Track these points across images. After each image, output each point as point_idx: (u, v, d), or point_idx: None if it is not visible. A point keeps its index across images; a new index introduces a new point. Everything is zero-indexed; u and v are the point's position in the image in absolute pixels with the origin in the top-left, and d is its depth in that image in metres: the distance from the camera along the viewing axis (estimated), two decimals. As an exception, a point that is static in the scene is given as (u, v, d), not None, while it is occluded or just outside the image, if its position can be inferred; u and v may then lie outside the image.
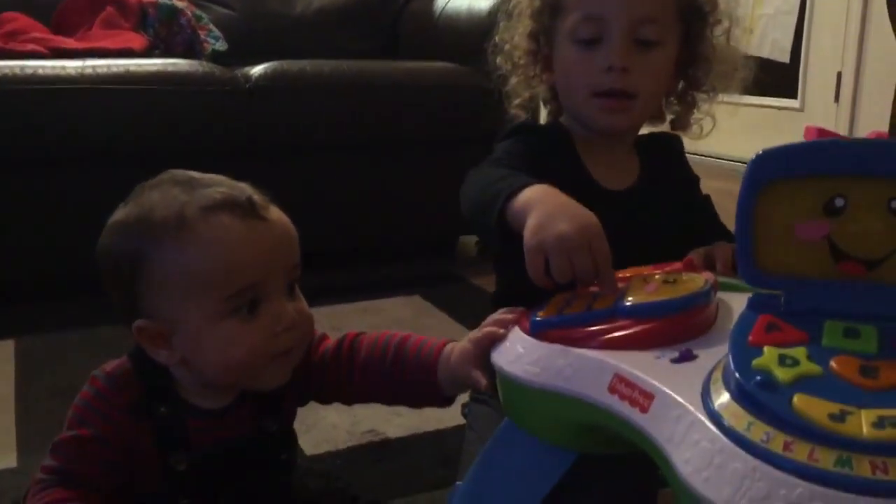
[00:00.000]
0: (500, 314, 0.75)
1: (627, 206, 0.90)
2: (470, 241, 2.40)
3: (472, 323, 1.74)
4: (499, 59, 1.01)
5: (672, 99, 0.97)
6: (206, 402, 0.76)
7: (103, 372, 0.74)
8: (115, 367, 0.75)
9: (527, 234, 0.70)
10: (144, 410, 0.73)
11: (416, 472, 1.17)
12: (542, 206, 0.71)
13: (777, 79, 3.35)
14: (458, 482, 0.77)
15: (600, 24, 0.88)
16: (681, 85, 0.96)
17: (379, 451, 1.22)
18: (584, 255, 0.68)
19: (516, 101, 1.02)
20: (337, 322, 1.74)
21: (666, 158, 0.98)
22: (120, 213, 0.73)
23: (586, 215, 0.70)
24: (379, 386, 0.81)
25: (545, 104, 1.02)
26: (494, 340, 0.71)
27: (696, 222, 0.95)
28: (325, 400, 0.85)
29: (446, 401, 0.81)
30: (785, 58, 3.37)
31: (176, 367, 0.74)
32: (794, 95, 3.37)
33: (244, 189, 0.73)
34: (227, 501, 0.77)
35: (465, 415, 1.01)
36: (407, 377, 0.79)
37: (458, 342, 0.78)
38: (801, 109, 3.36)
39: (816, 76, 3.30)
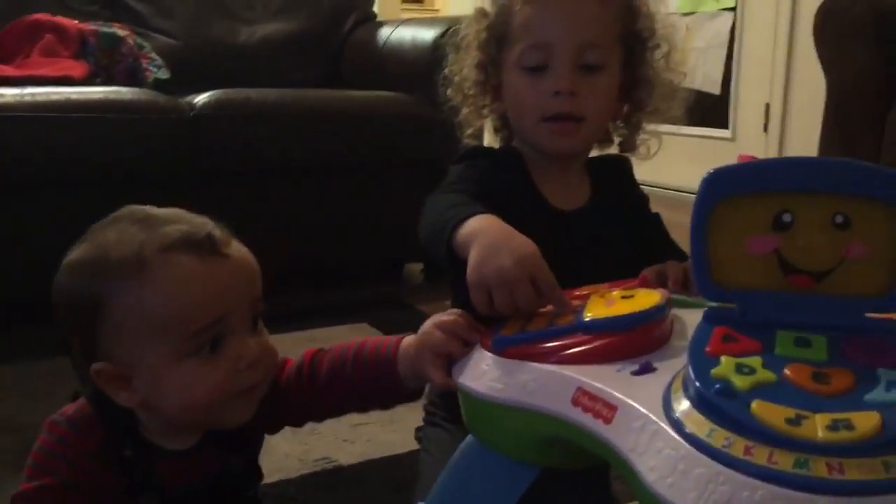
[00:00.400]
0: (440, 318, 0.75)
1: (580, 225, 0.93)
2: (416, 266, 2.41)
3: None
4: (449, 91, 1.03)
5: (618, 122, 1.00)
6: (171, 444, 0.74)
7: (63, 417, 0.72)
8: (76, 412, 0.72)
9: (469, 269, 0.71)
10: (112, 454, 0.71)
11: (371, 499, 1.16)
12: (483, 239, 0.72)
13: (709, 110, 3.46)
14: (419, 502, 0.77)
15: (546, 51, 0.91)
16: (625, 108, 0.99)
17: (332, 478, 1.21)
18: (524, 287, 0.69)
19: (468, 131, 1.04)
20: (284, 350, 1.71)
21: (616, 179, 1.01)
22: (76, 253, 0.70)
23: (525, 246, 0.71)
24: (347, 396, 0.81)
25: (496, 132, 1.04)
26: (441, 352, 0.72)
27: (648, 239, 0.97)
28: (298, 422, 0.85)
29: (414, 394, 0.81)
30: (716, 89, 3.49)
31: (139, 409, 0.72)
32: (725, 125, 3.48)
33: (204, 225, 0.72)
34: None
35: (418, 438, 1.02)
36: (371, 380, 0.79)
37: (414, 336, 0.78)
38: (732, 139, 3.48)
39: (746, 107, 3.42)
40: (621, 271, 0.81)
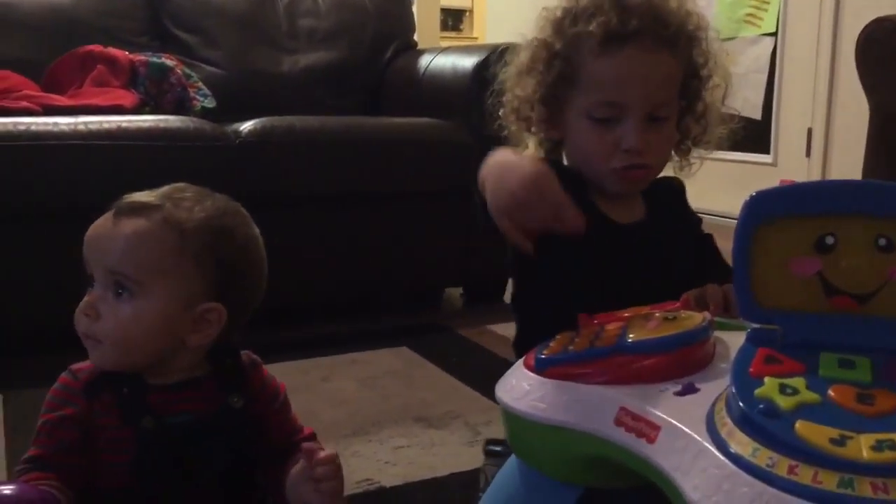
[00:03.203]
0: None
1: (638, 238, 0.94)
2: (455, 292, 2.43)
3: (460, 373, 1.77)
4: (502, 111, 1.03)
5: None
6: (157, 379, 0.84)
7: (67, 368, 0.85)
8: (79, 364, 0.85)
9: (489, 205, 0.77)
10: (100, 390, 0.82)
11: (412, 520, 1.17)
12: (493, 173, 0.78)
13: (749, 135, 3.44)
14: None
15: (618, 109, 0.91)
16: (679, 137, 1.01)
17: (375, 499, 1.22)
18: (537, 203, 0.74)
19: (517, 148, 1.05)
20: (327, 373, 1.75)
21: (670, 199, 1.02)
22: None
23: (529, 165, 0.76)
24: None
25: (546, 153, 1.04)
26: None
27: (701, 258, 0.98)
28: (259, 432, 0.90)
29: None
30: (756, 114, 3.48)
31: None
32: (766, 150, 3.46)
33: (147, 196, 0.85)
34: (193, 477, 0.83)
35: (486, 452, 1.04)
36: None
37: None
38: (773, 164, 3.45)
39: (788, 132, 3.40)
40: (677, 285, 0.82)
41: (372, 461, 1.33)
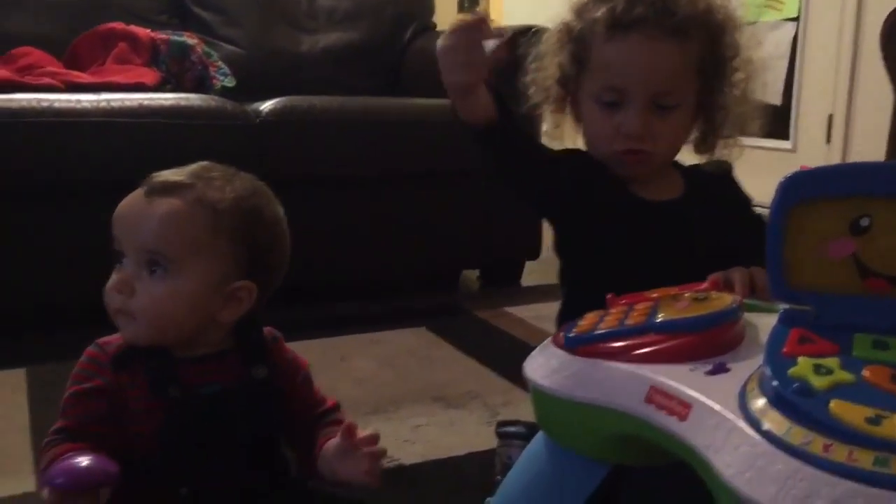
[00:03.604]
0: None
1: (670, 215, 0.94)
2: (472, 273, 2.43)
3: (478, 354, 1.78)
4: (531, 91, 1.06)
5: (691, 140, 1.02)
6: (184, 353, 0.85)
7: (94, 342, 0.86)
8: (105, 337, 0.86)
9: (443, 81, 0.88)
10: (128, 363, 0.83)
11: (431, 498, 1.18)
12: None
13: (769, 121, 3.41)
14: (488, 499, 0.79)
15: (621, 93, 0.94)
16: (700, 127, 1.01)
17: (394, 477, 1.23)
18: (464, 42, 0.86)
19: (549, 127, 1.07)
20: (346, 352, 1.76)
21: (711, 180, 1.02)
22: None
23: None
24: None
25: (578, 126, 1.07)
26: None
27: (744, 240, 0.97)
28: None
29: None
30: (777, 100, 3.45)
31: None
32: (786, 137, 3.43)
33: (191, 177, 0.85)
34: (219, 447, 0.84)
35: (499, 434, 1.05)
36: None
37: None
38: (793, 150, 3.42)
39: (808, 118, 3.36)
40: (707, 264, 0.82)
41: (391, 439, 1.34)
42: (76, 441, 0.79)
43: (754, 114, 1.02)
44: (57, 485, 0.72)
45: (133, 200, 0.84)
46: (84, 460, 0.73)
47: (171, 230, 0.81)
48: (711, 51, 0.96)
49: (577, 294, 0.73)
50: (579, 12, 0.98)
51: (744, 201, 1.04)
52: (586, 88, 0.97)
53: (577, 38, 0.97)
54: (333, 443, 0.85)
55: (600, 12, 0.94)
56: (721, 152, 1.02)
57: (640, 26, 0.92)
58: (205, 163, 0.89)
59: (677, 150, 1.00)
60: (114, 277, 0.83)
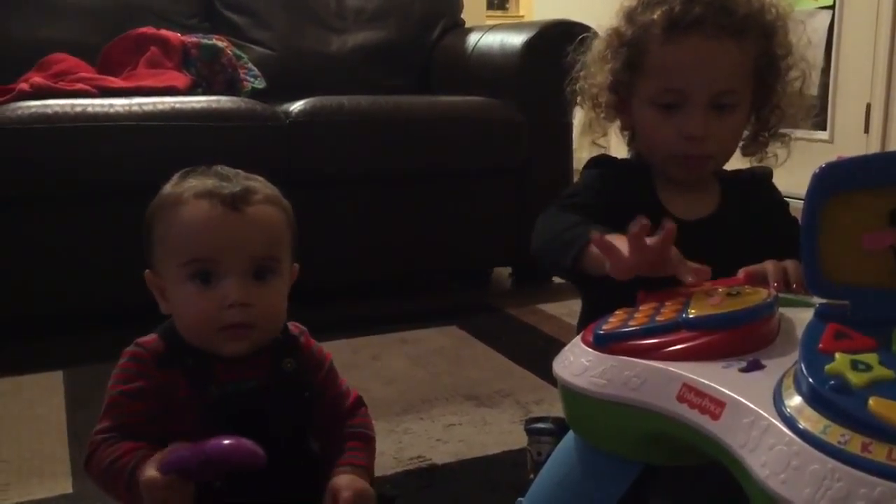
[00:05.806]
0: None
1: (702, 235, 0.92)
2: (504, 271, 2.42)
3: (510, 352, 1.77)
4: (579, 99, 1.06)
5: (743, 140, 1.01)
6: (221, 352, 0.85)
7: (133, 342, 0.86)
8: (144, 338, 0.86)
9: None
10: (171, 362, 0.84)
11: (464, 497, 1.17)
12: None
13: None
14: (520, 498, 0.78)
15: (681, 95, 0.93)
16: (753, 125, 1.00)
17: (427, 477, 1.23)
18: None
19: (596, 136, 1.06)
20: (377, 351, 1.76)
21: (751, 190, 1.01)
22: (164, 187, 0.88)
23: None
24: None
25: (623, 135, 1.06)
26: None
27: (780, 245, 0.95)
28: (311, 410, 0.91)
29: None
30: (813, 90, 3.38)
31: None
32: (823, 127, 3.37)
33: (241, 183, 0.84)
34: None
35: (528, 431, 1.04)
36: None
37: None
38: (830, 141, 3.36)
39: (845, 108, 3.30)
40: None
41: (423, 438, 1.34)
42: (127, 440, 0.80)
43: (806, 112, 1.01)
44: (213, 458, 0.73)
45: (213, 215, 0.82)
46: (228, 441, 0.74)
47: (275, 234, 0.85)
48: (766, 50, 0.96)
49: (605, 299, 0.72)
50: (630, 17, 0.97)
51: (779, 205, 1.02)
52: (641, 93, 0.96)
53: (629, 43, 0.96)
54: (333, 486, 0.84)
55: (656, 15, 0.93)
56: (772, 150, 1.01)
57: (699, 26, 0.91)
58: (219, 167, 0.88)
59: (732, 153, 1.00)
60: (228, 295, 0.81)
